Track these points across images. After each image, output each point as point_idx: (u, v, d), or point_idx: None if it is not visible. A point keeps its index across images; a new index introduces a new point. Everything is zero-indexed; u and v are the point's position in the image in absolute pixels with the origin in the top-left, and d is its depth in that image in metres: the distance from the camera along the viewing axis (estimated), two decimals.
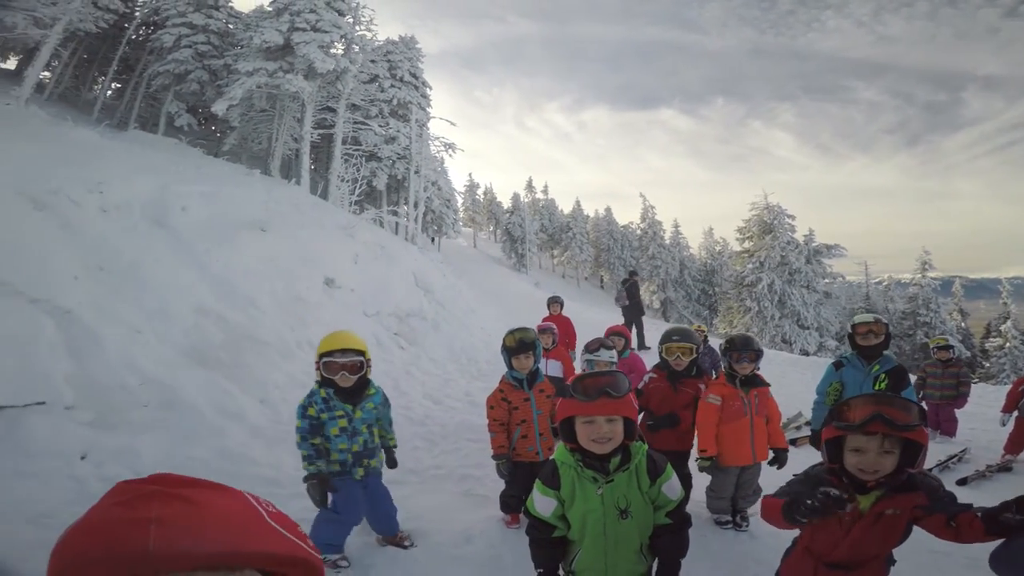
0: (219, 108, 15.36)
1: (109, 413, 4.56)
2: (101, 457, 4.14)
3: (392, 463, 3.53)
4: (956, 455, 5.57)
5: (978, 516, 1.71)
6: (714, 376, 4.48)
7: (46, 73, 17.57)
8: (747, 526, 3.70)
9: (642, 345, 11.59)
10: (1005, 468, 5.22)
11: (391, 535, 3.41)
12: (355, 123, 18.89)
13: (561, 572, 2.09)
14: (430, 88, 22.43)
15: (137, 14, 19.44)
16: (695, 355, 3.92)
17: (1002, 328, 27.75)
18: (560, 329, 6.16)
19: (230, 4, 19.62)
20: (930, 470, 4.96)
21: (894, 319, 29.82)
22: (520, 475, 3.59)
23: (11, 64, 18.83)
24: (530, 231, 41.16)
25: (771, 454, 3.74)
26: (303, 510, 3.15)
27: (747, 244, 30.06)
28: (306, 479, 3.09)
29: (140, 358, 5.18)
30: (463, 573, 3.19)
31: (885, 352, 3.96)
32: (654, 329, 10.98)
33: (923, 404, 6.28)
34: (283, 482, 4.42)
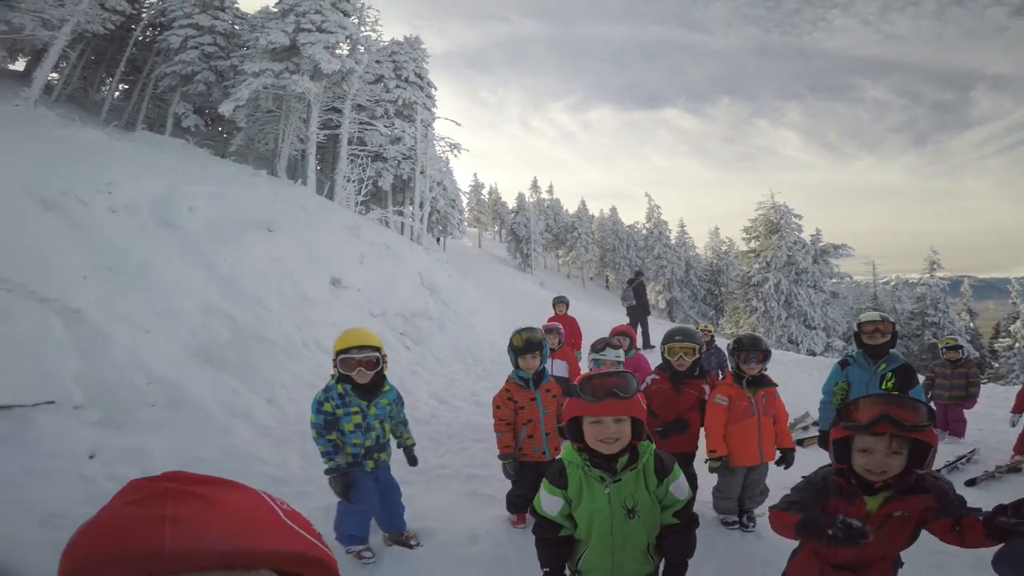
0: (226, 109, 15.42)
1: (117, 412, 4.59)
2: (109, 456, 4.17)
3: (412, 461, 3.57)
4: (965, 456, 5.53)
5: (980, 520, 1.69)
6: (721, 376, 4.47)
7: (54, 74, 17.68)
8: (754, 526, 3.69)
9: (647, 344, 11.58)
10: (1015, 469, 5.18)
11: (397, 534, 3.43)
12: (361, 124, 18.93)
13: (567, 572, 2.08)
14: (435, 88, 22.46)
15: (144, 15, 19.54)
16: (698, 355, 3.90)
17: (1011, 328, 27.53)
18: (566, 329, 6.16)
19: (236, 5, 19.70)
20: (939, 471, 4.92)
21: (902, 319, 29.64)
22: (526, 475, 3.59)
23: (20, 65, 19.01)
24: (535, 231, 41.11)
25: (778, 454, 3.72)
26: (312, 509, 3.17)
27: (753, 244, 29.96)
28: (327, 472, 3.17)
29: (148, 357, 5.21)
30: (469, 573, 3.20)
31: (891, 351, 3.91)
32: (659, 329, 10.95)
33: (931, 404, 6.24)
34: (290, 481, 4.45)
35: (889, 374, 3.79)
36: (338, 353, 3.22)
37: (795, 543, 2.17)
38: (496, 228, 51.86)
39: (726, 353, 4.53)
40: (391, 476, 3.46)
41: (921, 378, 5.50)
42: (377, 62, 20.09)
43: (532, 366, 3.66)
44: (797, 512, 1.87)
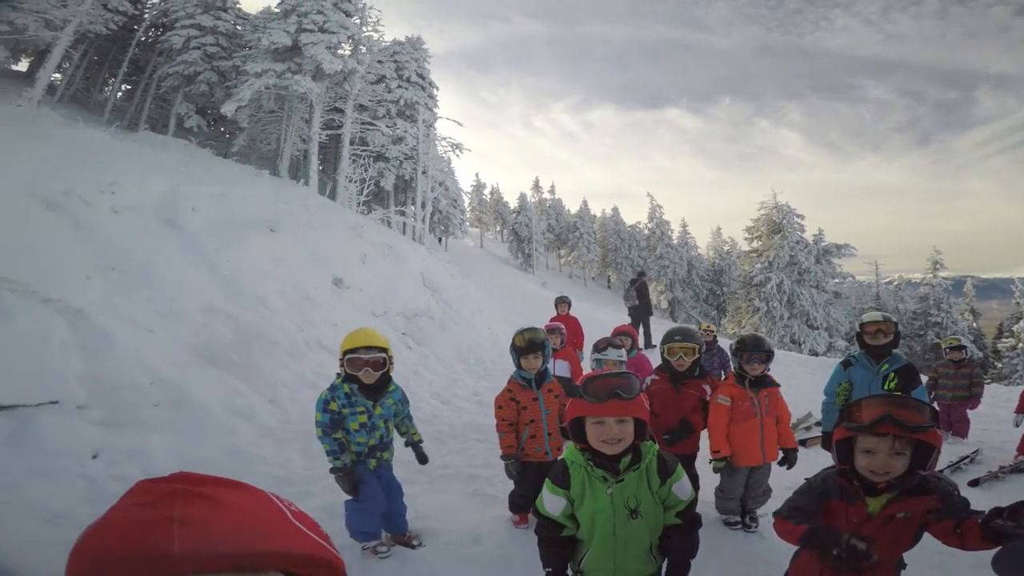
0: (228, 109, 15.46)
1: (120, 412, 4.60)
2: (112, 456, 4.17)
3: (422, 458, 3.58)
4: (968, 456, 5.52)
5: (979, 522, 1.69)
6: (723, 377, 4.46)
7: (57, 75, 17.75)
8: (756, 527, 3.68)
9: (649, 344, 11.58)
10: (1018, 469, 5.16)
11: (400, 534, 3.43)
12: (363, 124, 18.95)
13: (569, 572, 2.08)
14: (437, 88, 22.47)
15: (146, 16, 19.60)
16: (698, 355, 3.87)
17: (1015, 328, 27.46)
18: (568, 329, 6.16)
19: (238, 6, 19.73)
20: (942, 471, 4.91)
21: (905, 319, 29.59)
22: (529, 475, 3.59)
23: (23, 66, 19.05)
24: (537, 231, 41.12)
25: (781, 454, 3.72)
26: (314, 509, 3.17)
27: (756, 244, 29.91)
28: (333, 471, 3.18)
29: (151, 357, 5.22)
30: (471, 573, 3.20)
31: (894, 351, 3.89)
32: (661, 329, 10.94)
33: (935, 405, 6.22)
34: (292, 481, 4.45)
35: (892, 374, 3.78)
36: (345, 353, 3.22)
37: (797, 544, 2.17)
38: (498, 228, 51.87)
39: (729, 353, 4.52)
40: (393, 476, 3.47)
41: (924, 378, 5.49)
42: (379, 62, 20.11)
43: (534, 366, 3.66)
44: (800, 520, 1.88)
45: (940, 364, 6.87)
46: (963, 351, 6.71)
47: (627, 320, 12.04)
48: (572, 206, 49.53)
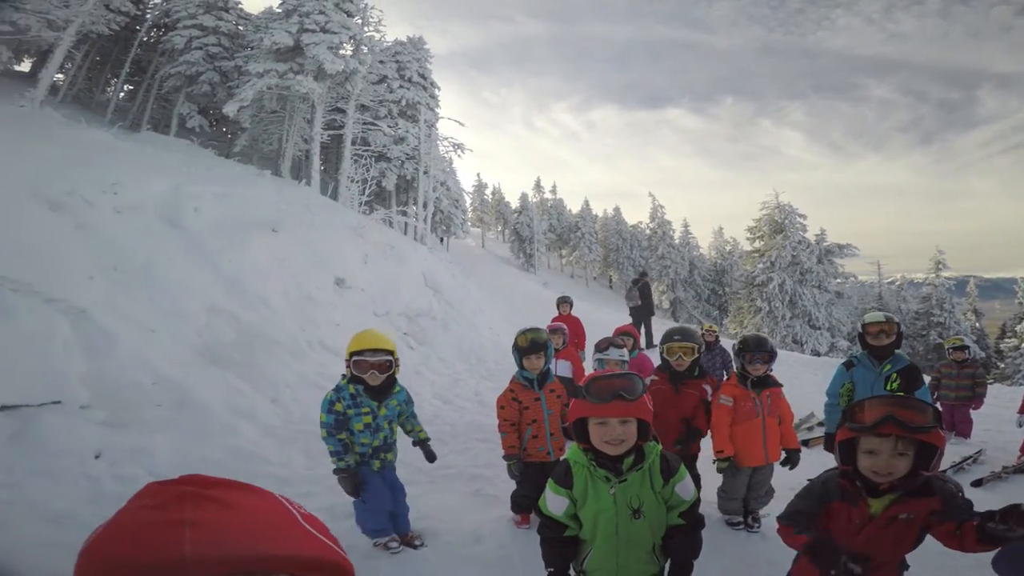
0: (230, 109, 15.48)
1: (123, 412, 4.61)
2: (115, 456, 4.18)
3: (431, 456, 3.58)
4: (971, 456, 5.51)
5: (975, 525, 1.69)
6: (726, 377, 4.45)
7: (59, 75, 17.77)
8: (759, 527, 3.68)
9: (650, 343, 11.57)
10: (1021, 470, 5.15)
11: (402, 534, 3.43)
12: (364, 124, 18.95)
13: (572, 572, 2.08)
14: (438, 89, 22.46)
15: (148, 16, 19.62)
16: (697, 355, 3.85)
17: (1018, 328, 27.38)
18: (570, 329, 6.15)
19: (240, 6, 19.74)
20: (944, 471, 4.90)
21: (907, 319, 29.54)
22: (531, 475, 3.59)
23: (25, 66, 19.07)
24: (538, 231, 41.10)
25: (783, 455, 3.71)
26: (316, 509, 3.15)
27: (758, 244, 29.87)
28: (336, 472, 3.20)
29: (153, 357, 5.23)
30: (473, 573, 3.20)
31: (897, 351, 3.87)
32: (663, 330, 10.94)
33: (938, 405, 6.21)
34: (295, 481, 4.45)
35: (894, 375, 3.76)
36: (351, 355, 3.23)
37: None
38: (499, 228, 51.83)
39: (731, 354, 4.51)
40: (396, 476, 3.48)
41: (927, 379, 5.48)
42: (381, 62, 20.12)
43: (537, 366, 3.66)
44: (801, 528, 1.91)
45: (943, 364, 6.87)
46: (966, 351, 6.70)
47: (628, 320, 12.05)
48: (574, 206, 49.55)
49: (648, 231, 44.35)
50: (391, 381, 3.32)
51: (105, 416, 4.49)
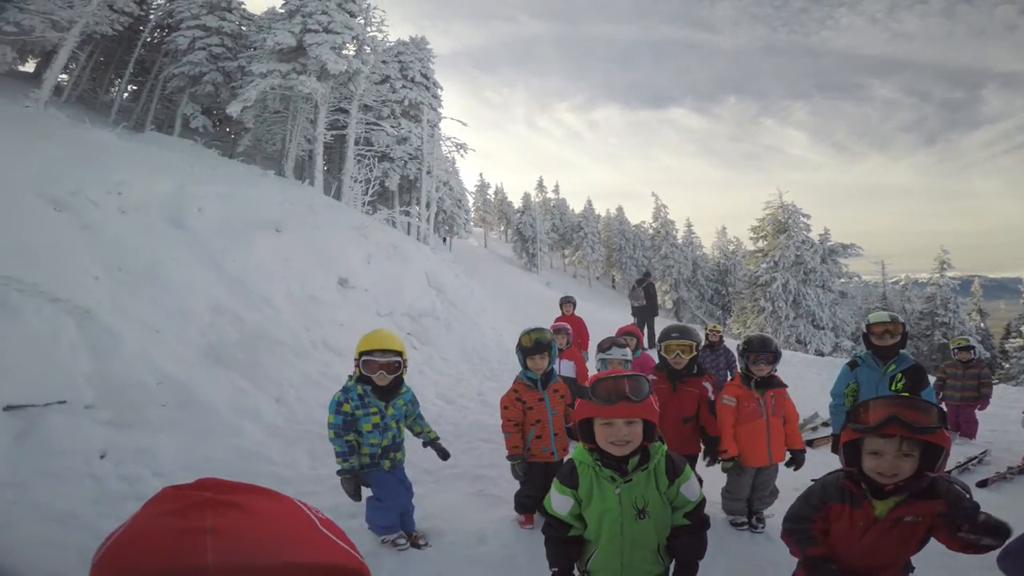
0: (233, 110, 15.52)
1: (127, 412, 4.62)
2: (120, 456, 4.19)
3: (444, 454, 3.59)
4: (976, 457, 5.49)
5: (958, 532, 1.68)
6: (730, 377, 4.44)
7: (64, 76, 17.83)
8: (763, 528, 3.67)
9: (653, 343, 11.56)
10: None
11: (408, 532, 3.44)
12: (367, 124, 18.98)
13: (576, 572, 2.08)
14: (441, 89, 22.48)
15: (152, 17, 19.67)
16: (695, 352, 3.83)
17: (1023, 328, 27.27)
18: (573, 329, 6.15)
19: (243, 6, 19.79)
20: (949, 472, 4.88)
21: (912, 319, 29.46)
22: (535, 475, 3.59)
23: (30, 67, 19.15)
24: (541, 231, 41.06)
25: (788, 455, 3.70)
26: (322, 509, 3.17)
27: (761, 243, 29.79)
28: (339, 473, 3.20)
29: (158, 357, 5.24)
30: (477, 573, 3.20)
31: (901, 351, 3.85)
32: None
33: (943, 406, 6.19)
34: (298, 481, 4.45)
35: (899, 375, 3.74)
36: (361, 355, 3.23)
37: None
38: (502, 228, 51.81)
39: (735, 354, 4.49)
40: (405, 476, 3.50)
41: (932, 379, 5.46)
42: (383, 62, 20.13)
43: (541, 367, 3.65)
44: (800, 537, 1.94)
45: (948, 364, 6.83)
46: (971, 351, 6.67)
47: (631, 320, 12.04)
48: (576, 206, 49.49)
49: (651, 231, 44.28)
50: (398, 382, 3.33)
51: (110, 416, 4.50)
